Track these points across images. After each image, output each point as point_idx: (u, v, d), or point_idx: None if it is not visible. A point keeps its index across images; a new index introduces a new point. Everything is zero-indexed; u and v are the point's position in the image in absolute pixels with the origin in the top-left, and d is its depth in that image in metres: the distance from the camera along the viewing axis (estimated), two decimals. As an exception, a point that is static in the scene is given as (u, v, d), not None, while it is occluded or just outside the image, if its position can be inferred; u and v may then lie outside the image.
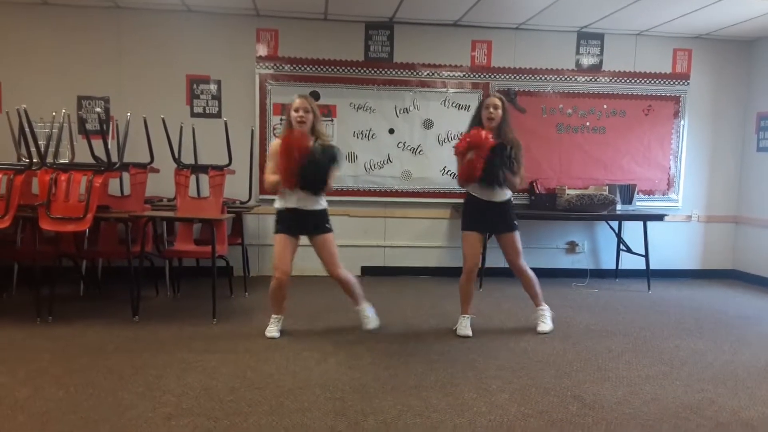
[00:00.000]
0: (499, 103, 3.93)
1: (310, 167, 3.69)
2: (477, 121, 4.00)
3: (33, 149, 4.35)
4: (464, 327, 4.09)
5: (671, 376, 3.38)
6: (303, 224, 3.87)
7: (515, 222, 4.11)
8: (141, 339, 3.82)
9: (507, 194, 4.05)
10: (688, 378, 3.37)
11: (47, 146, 4.55)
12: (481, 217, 4.05)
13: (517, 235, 4.12)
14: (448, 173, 6.09)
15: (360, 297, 4.11)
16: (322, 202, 3.91)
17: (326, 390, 3.03)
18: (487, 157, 3.80)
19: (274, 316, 4.01)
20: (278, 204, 3.89)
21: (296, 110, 3.81)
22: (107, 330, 3.99)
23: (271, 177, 3.84)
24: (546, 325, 4.23)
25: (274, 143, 3.89)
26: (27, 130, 4.30)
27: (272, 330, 3.96)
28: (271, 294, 3.93)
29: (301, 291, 5.16)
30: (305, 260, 5.90)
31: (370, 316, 4.12)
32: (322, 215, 3.91)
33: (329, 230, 3.94)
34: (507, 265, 6.27)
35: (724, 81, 6.42)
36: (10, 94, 5.51)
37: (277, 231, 3.89)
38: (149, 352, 3.55)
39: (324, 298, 5.09)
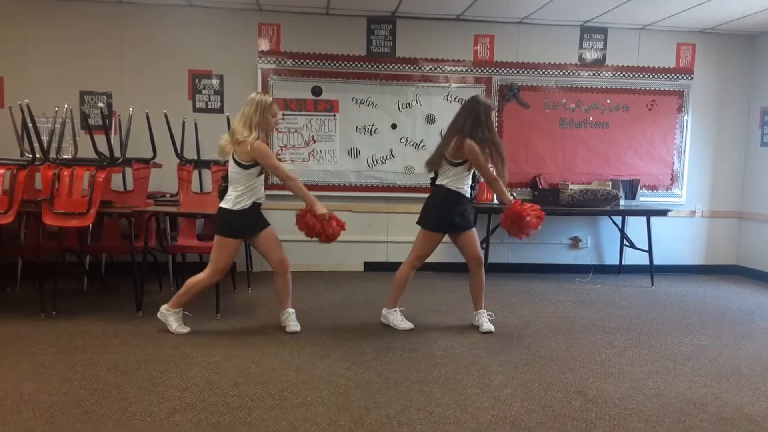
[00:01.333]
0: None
1: None
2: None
3: (36, 144, 4.34)
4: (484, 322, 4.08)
5: (675, 372, 3.38)
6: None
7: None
8: (145, 334, 3.83)
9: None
10: (692, 373, 3.36)
11: (50, 141, 4.55)
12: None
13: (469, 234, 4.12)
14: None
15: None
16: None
17: (329, 385, 3.04)
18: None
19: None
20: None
21: (274, 115, 3.79)
22: (111, 325, 4.00)
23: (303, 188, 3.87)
24: (489, 325, 4.11)
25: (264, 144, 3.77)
26: (30, 125, 4.29)
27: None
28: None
29: (304, 287, 5.17)
30: (306, 257, 5.90)
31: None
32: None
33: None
34: (510, 261, 6.31)
35: (728, 75, 6.39)
36: (12, 90, 5.51)
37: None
38: (153, 347, 3.56)
39: (327, 294, 5.09)
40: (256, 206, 3.78)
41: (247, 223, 3.78)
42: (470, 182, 4.05)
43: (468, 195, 4.07)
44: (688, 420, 2.74)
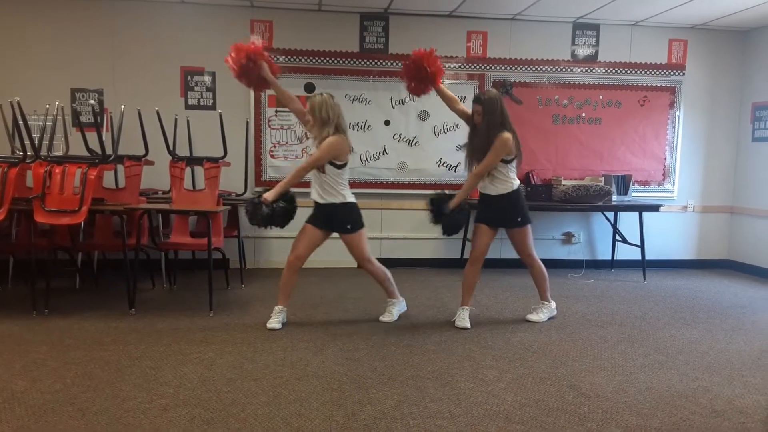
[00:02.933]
0: (480, 108, 3.97)
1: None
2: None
3: (27, 142, 4.32)
4: (463, 319, 4.09)
5: (666, 365, 3.40)
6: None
7: (520, 218, 4.10)
8: (138, 331, 3.82)
9: (500, 188, 4.05)
10: (684, 367, 3.39)
11: (41, 139, 4.53)
12: (486, 211, 4.12)
13: (526, 230, 4.14)
14: (444, 165, 6.09)
15: (394, 291, 4.24)
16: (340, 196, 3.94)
17: (323, 381, 3.04)
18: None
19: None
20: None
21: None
22: (104, 322, 3.99)
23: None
24: (537, 316, 4.31)
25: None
26: (21, 122, 4.27)
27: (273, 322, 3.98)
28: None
29: (298, 283, 5.14)
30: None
31: (393, 312, 4.21)
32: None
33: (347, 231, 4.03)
34: (503, 256, 6.32)
35: (720, 71, 6.43)
36: (3, 87, 5.46)
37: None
38: (146, 344, 3.55)
39: (321, 290, 5.09)
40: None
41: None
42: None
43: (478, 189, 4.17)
44: (679, 413, 2.76)
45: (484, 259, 4.15)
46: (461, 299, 4.17)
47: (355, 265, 6.11)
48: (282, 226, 3.89)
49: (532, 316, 4.29)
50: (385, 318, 4.18)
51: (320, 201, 3.92)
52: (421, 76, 4.10)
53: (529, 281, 5.61)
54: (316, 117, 3.82)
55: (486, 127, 3.95)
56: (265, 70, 4.04)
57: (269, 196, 3.76)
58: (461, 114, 4.18)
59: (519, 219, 4.08)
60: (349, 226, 3.98)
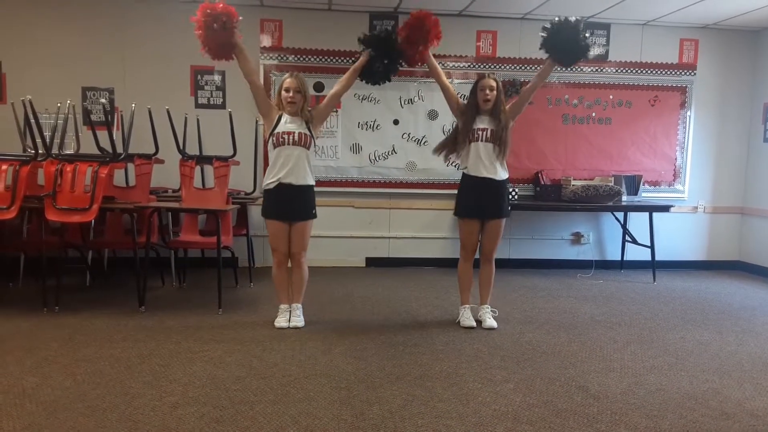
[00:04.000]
0: (494, 84, 3.90)
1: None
2: (473, 103, 3.96)
3: (38, 140, 4.36)
4: (467, 318, 4.09)
5: (676, 367, 3.38)
6: (290, 204, 3.83)
7: (509, 207, 4.07)
8: (147, 329, 3.84)
9: (504, 173, 4.01)
10: (694, 369, 3.36)
11: (52, 137, 4.56)
12: (477, 201, 3.98)
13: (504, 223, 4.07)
14: (453, 164, 6.07)
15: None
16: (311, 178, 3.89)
17: (331, 380, 3.04)
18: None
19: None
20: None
21: (287, 90, 3.77)
22: (114, 320, 4.01)
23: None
24: (492, 321, 4.10)
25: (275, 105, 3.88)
26: (32, 121, 4.31)
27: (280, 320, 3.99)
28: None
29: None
30: (311, 251, 5.91)
31: (300, 316, 4.02)
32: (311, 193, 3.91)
33: (312, 216, 3.92)
34: (512, 256, 6.30)
35: (731, 71, 6.38)
36: (14, 86, 5.52)
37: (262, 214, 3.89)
38: (156, 342, 3.57)
39: (329, 289, 5.10)
40: (275, 188, 3.83)
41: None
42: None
43: (468, 174, 4.04)
44: (689, 415, 2.74)
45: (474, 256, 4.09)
46: (461, 298, 4.16)
47: (363, 264, 6.14)
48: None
49: (492, 323, 4.07)
50: (300, 323, 3.97)
51: (295, 183, 3.78)
52: (416, 37, 3.97)
53: (538, 281, 5.64)
54: (304, 94, 3.81)
55: (500, 107, 3.91)
56: (236, 36, 3.75)
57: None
58: (445, 89, 4.06)
59: (509, 208, 4.06)
60: (314, 211, 3.91)
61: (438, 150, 4.13)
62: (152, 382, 2.95)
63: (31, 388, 2.85)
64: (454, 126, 4.15)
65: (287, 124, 3.81)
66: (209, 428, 2.48)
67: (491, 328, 4.01)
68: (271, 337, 3.72)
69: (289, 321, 3.96)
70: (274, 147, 3.79)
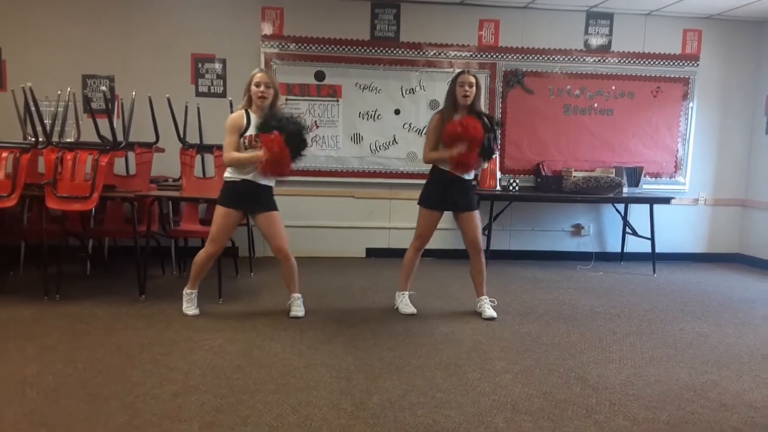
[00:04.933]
0: (473, 80, 3.87)
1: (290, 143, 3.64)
2: (452, 99, 3.93)
3: (38, 128, 4.34)
4: (405, 305, 4.12)
5: (675, 359, 3.39)
6: (250, 199, 3.80)
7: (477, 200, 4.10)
8: (148, 317, 3.85)
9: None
10: (693, 360, 3.37)
11: (53, 125, 4.54)
12: (449, 195, 3.99)
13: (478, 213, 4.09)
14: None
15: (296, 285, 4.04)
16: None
17: (331, 369, 3.05)
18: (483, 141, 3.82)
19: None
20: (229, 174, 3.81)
21: (257, 85, 3.70)
22: (114, 308, 4.02)
23: (239, 156, 3.71)
24: (492, 311, 4.10)
25: (234, 116, 3.77)
26: (32, 108, 4.29)
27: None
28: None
29: (305, 273, 5.16)
30: (307, 243, 5.91)
31: (301, 306, 4.02)
32: (271, 191, 3.88)
33: (275, 207, 3.89)
34: (512, 248, 6.30)
35: (734, 62, 6.35)
36: (15, 73, 5.50)
37: (221, 203, 3.82)
38: (156, 330, 3.58)
39: (329, 279, 5.11)
40: (240, 182, 3.77)
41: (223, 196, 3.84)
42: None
43: (442, 169, 4.02)
44: (688, 406, 2.75)
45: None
46: (399, 284, 4.18)
47: (363, 255, 6.14)
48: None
49: (492, 313, 4.07)
50: (300, 313, 3.97)
51: (261, 182, 3.78)
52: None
53: (538, 273, 5.64)
54: (275, 89, 3.77)
55: (478, 104, 3.92)
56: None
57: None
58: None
59: (476, 202, 4.09)
60: (274, 203, 3.89)
61: (431, 158, 4.06)
62: (153, 371, 2.96)
63: (32, 376, 2.86)
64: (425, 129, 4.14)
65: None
66: (209, 417, 2.49)
67: (491, 318, 4.02)
68: (271, 327, 3.73)
69: (289, 312, 3.96)
70: (245, 149, 3.73)
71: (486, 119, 3.87)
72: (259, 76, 3.71)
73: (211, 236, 3.84)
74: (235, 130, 3.72)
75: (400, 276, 4.20)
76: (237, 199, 3.80)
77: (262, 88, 3.68)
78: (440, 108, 4.03)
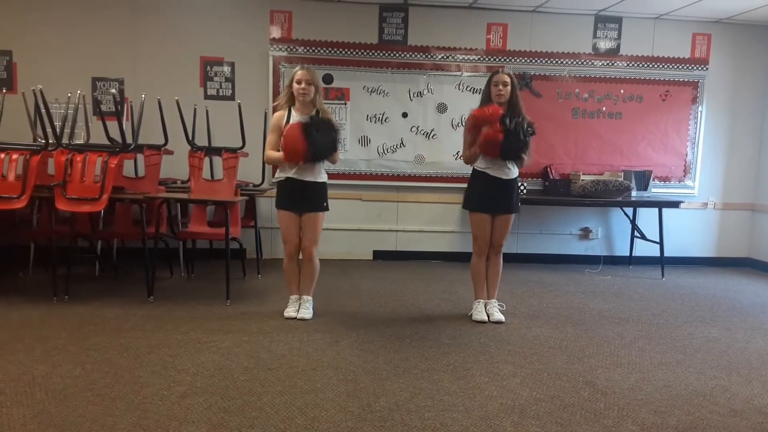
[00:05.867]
0: (507, 79, 3.85)
1: (312, 140, 3.68)
2: (487, 100, 3.93)
3: (48, 130, 4.38)
4: (479, 312, 4.08)
5: (684, 364, 3.37)
6: (299, 197, 3.85)
7: (519, 203, 4.07)
8: (156, 319, 3.86)
9: (516, 172, 3.99)
10: (702, 365, 3.35)
11: (63, 127, 4.58)
12: (491, 196, 3.97)
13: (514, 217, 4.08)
14: (462, 158, 6.05)
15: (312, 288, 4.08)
16: (322, 176, 3.91)
17: (339, 372, 3.05)
18: (504, 129, 3.75)
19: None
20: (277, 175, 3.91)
21: (299, 82, 3.77)
22: (123, 309, 4.04)
23: (273, 154, 3.83)
24: (500, 315, 4.09)
25: (276, 115, 3.88)
26: (43, 110, 4.32)
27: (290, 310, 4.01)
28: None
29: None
30: (319, 244, 5.90)
31: (309, 309, 4.04)
32: (322, 189, 3.92)
33: (325, 209, 3.94)
34: (520, 251, 6.28)
35: (744, 66, 6.31)
36: (25, 75, 5.55)
37: (276, 206, 3.92)
38: (164, 332, 3.59)
39: (337, 282, 5.11)
40: (285, 181, 3.85)
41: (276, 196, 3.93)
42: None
43: (481, 170, 4.00)
44: (697, 411, 2.73)
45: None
46: (474, 293, 4.15)
47: (371, 257, 6.14)
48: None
49: (500, 316, 4.07)
50: (307, 315, 3.98)
51: (306, 179, 3.82)
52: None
53: (546, 276, 5.62)
54: (316, 86, 3.82)
55: (516, 102, 3.87)
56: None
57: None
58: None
59: (518, 203, 4.06)
60: (325, 204, 3.94)
61: (469, 159, 4.05)
62: (160, 372, 2.97)
63: (41, 377, 2.87)
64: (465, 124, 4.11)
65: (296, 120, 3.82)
66: (217, 418, 2.50)
67: (499, 322, 4.00)
68: (278, 329, 3.73)
69: (298, 312, 3.97)
70: None
71: (520, 120, 3.80)
72: (300, 74, 3.79)
73: (282, 238, 3.96)
74: (275, 129, 3.85)
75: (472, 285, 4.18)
76: (285, 198, 3.89)
77: (303, 85, 3.76)
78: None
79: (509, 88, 3.85)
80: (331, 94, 5.88)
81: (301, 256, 3.99)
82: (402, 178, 6.07)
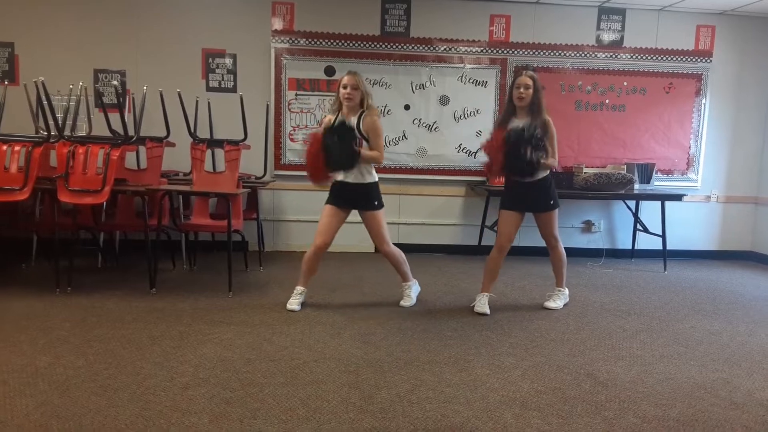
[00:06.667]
0: (530, 82, 3.87)
1: (329, 149, 3.77)
2: (510, 102, 3.98)
3: (51, 122, 4.37)
4: (482, 304, 4.09)
5: (686, 356, 3.37)
6: (348, 197, 3.96)
7: (552, 201, 4.06)
8: (158, 310, 3.87)
9: (541, 173, 3.97)
10: (703, 358, 3.35)
11: (65, 119, 4.58)
12: (519, 197, 4.04)
13: (555, 213, 4.10)
14: (464, 150, 6.05)
15: (407, 274, 4.21)
16: (369, 177, 3.96)
17: (340, 363, 3.06)
18: (506, 152, 3.80)
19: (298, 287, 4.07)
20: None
21: (344, 87, 3.85)
22: (125, 301, 4.05)
23: None
24: (555, 303, 4.26)
25: (326, 119, 4.04)
26: (45, 102, 4.32)
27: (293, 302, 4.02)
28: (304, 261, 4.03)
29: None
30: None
31: (411, 295, 4.21)
32: (369, 190, 3.97)
33: (377, 207, 3.99)
34: (522, 244, 6.27)
35: (748, 58, 6.28)
36: (27, 67, 5.54)
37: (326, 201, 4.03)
38: (166, 323, 3.60)
39: (339, 274, 5.11)
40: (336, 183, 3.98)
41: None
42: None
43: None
44: (698, 404, 2.73)
45: (510, 247, 4.11)
46: (482, 285, 4.16)
47: (373, 250, 6.14)
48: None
49: (551, 304, 4.27)
50: (406, 303, 4.19)
51: (351, 181, 3.92)
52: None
53: (548, 269, 5.58)
54: (362, 90, 3.88)
55: (538, 105, 3.87)
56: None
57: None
58: None
59: (552, 202, 4.05)
60: (376, 203, 4.00)
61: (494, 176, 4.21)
62: (163, 363, 2.98)
63: (44, 368, 2.89)
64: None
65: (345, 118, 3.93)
66: (219, 409, 2.51)
67: (554, 308, 4.19)
68: (280, 321, 3.74)
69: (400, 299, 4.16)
70: None
71: (532, 127, 3.82)
72: (346, 79, 3.87)
73: (317, 229, 4.01)
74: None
75: (483, 276, 4.20)
76: (332, 195, 4.00)
77: (348, 90, 3.83)
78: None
79: (531, 90, 3.86)
80: (333, 86, 5.83)
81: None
82: (404, 170, 6.06)
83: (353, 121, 3.88)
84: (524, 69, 4.02)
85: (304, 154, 3.86)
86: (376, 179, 4.01)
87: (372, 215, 3.99)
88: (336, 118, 3.91)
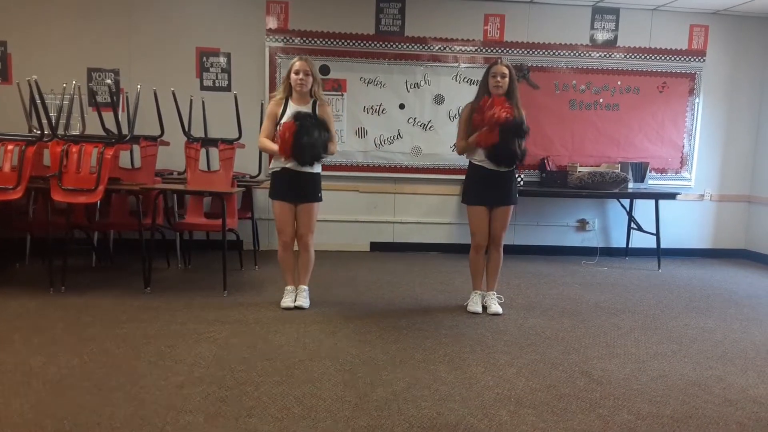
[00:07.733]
0: (506, 71, 3.82)
1: (300, 145, 3.68)
2: (484, 90, 3.89)
3: (44, 121, 4.35)
4: (474, 303, 4.09)
5: (680, 354, 3.38)
6: (296, 188, 3.85)
7: (517, 194, 4.05)
8: (153, 309, 3.86)
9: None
10: (697, 356, 3.37)
11: (58, 118, 4.56)
12: (488, 190, 3.95)
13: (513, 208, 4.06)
14: (455, 147, 6.04)
15: (308, 278, 4.09)
16: (317, 167, 3.89)
17: (336, 362, 3.06)
18: (501, 138, 3.74)
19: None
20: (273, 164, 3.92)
21: (296, 73, 3.77)
22: (120, 300, 4.03)
23: (266, 143, 3.85)
24: (499, 307, 4.08)
25: (273, 102, 3.89)
26: (38, 101, 4.30)
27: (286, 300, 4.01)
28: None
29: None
30: (316, 235, 5.89)
31: (308, 298, 4.06)
32: (317, 180, 3.92)
33: (320, 199, 3.95)
34: (516, 242, 6.29)
35: (741, 58, 6.31)
36: (20, 66, 5.51)
37: (270, 196, 3.93)
38: (161, 323, 3.59)
39: (334, 273, 5.11)
40: (280, 171, 3.85)
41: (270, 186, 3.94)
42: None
43: (477, 163, 3.98)
44: (692, 401, 2.75)
45: (486, 245, 4.06)
46: (472, 284, 4.16)
47: (368, 249, 6.14)
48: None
49: (497, 309, 4.05)
50: (306, 303, 4.01)
51: (301, 170, 3.81)
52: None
53: (542, 268, 5.64)
54: (314, 77, 3.83)
55: (513, 95, 3.84)
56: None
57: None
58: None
59: (516, 195, 4.04)
60: (320, 194, 3.95)
61: (461, 148, 4.03)
62: (158, 362, 2.97)
63: (38, 367, 2.87)
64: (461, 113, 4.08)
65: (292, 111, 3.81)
66: (214, 408, 2.50)
67: (496, 314, 4.01)
68: (275, 320, 3.74)
69: (294, 301, 3.98)
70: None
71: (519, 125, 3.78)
72: (298, 64, 3.79)
73: (277, 228, 3.96)
74: (270, 117, 3.88)
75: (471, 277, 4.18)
76: (279, 189, 3.88)
77: (301, 76, 3.76)
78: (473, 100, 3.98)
79: (507, 79, 3.83)
80: (327, 85, 5.85)
81: (296, 247, 3.99)
82: (399, 169, 6.06)
83: (306, 110, 3.79)
84: (498, 58, 3.93)
85: (277, 141, 3.74)
86: (320, 170, 3.95)
87: (313, 207, 3.91)
88: (286, 104, 3.82)
